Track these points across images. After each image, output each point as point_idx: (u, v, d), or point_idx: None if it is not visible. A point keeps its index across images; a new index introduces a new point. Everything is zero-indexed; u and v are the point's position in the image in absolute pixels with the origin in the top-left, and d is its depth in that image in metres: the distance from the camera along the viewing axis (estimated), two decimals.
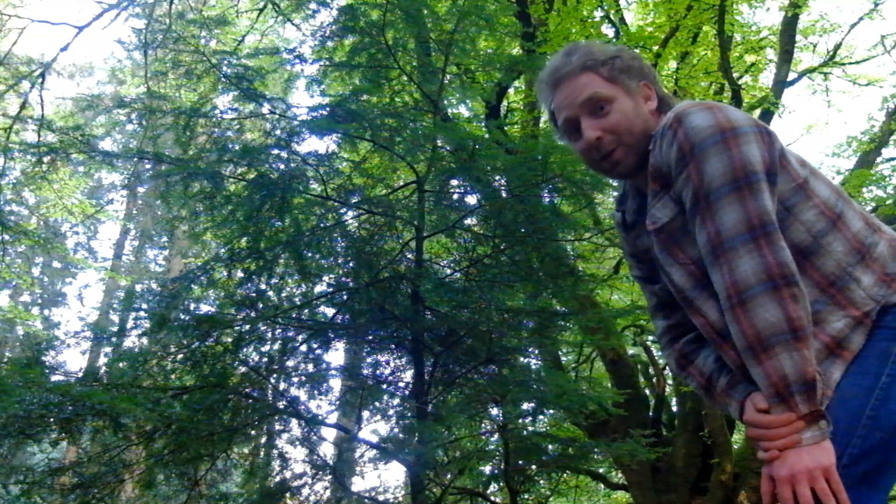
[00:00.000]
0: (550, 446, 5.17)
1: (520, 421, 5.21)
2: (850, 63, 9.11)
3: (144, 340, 4.85)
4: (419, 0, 4.44)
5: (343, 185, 4.86)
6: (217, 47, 7.20)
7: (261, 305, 4.73)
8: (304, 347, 4.96)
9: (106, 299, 17.85)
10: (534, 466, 5.30)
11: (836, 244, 1.25)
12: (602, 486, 9.30)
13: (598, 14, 7.78)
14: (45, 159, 5.98)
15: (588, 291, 6.25)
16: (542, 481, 6.65)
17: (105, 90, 18.59)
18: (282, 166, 4.53)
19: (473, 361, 4.66)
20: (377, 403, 5.22)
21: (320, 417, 5.03)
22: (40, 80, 7.63)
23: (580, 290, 5.25)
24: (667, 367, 7.81)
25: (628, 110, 1.37)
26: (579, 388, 4.81)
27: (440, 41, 4.67)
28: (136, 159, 5.75)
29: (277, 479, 5.02)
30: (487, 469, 5.99)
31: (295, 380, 4.97)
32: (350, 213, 4.99)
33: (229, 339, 4.62)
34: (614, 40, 7.28)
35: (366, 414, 5.35)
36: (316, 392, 4.98)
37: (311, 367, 4.95)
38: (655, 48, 6.80)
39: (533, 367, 5.51)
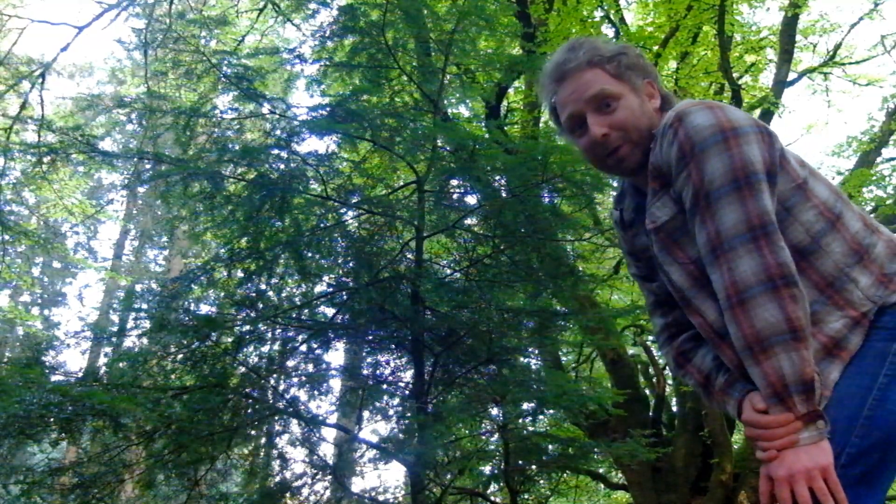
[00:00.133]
0: (550, 446, 5.17)
1: (520, 421, 5.21)
2: (850, 63, 9.11)
3: (144, 340, 4.85)
4: (419, 0, 4.44)
5: (343, 185, 4.86)
6: (217, 47, 7.20)
7: (261, 305, 4.73)
8: (304, 347, 4.96)
9: (106, 299, 17.85)
10: (534, 466, 5.30)
11: (834, 245, 1.25)
12: (602, 486, 9.31)
13: (598, 14, 7.79)
14: (45, 159, 5.99)
15: (588, 291, 6.26)
16: (542, 481, 6.65)
17: (105, 90, 18.59)
18: (282, 166, 4.53)
19: (473, 361, 4.66)
20: (377, 403, 5.22)
21: (320, 417, 5.03)
22: (40, 80, 7.63)
23: (580, 290, 5.26)
24: (667, 367, 7.81)
25: (635, 108, 1.36)
26: (579, 388, 4.81)
27: (440, 41, 4.67)
28: (136, 159, 5.75)
29: (277, 479, 5.02)
30: (487, 469, 5.99)
31: (295, 380, 4.97)
32: (350, 213, 5.00)
33: (229, 340, 4.62)
34: (614, 40, 7.28)
35: (366, 414, 5.35)
36: (316, 392, 4.98)
37: (311, 368, 4.95)
38: (655, 48, 6.80)
39: (533, 367, 5.51)
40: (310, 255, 4.73)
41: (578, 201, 4.76)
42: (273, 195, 4.28)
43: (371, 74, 4.87)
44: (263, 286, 4.89)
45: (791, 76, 8.17)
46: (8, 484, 4.14)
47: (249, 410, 4.71)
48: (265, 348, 5.04)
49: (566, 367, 8.33)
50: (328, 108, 4.46)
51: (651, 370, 8.36)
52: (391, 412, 5.19)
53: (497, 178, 4.69)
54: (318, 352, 4.97)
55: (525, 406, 5.15)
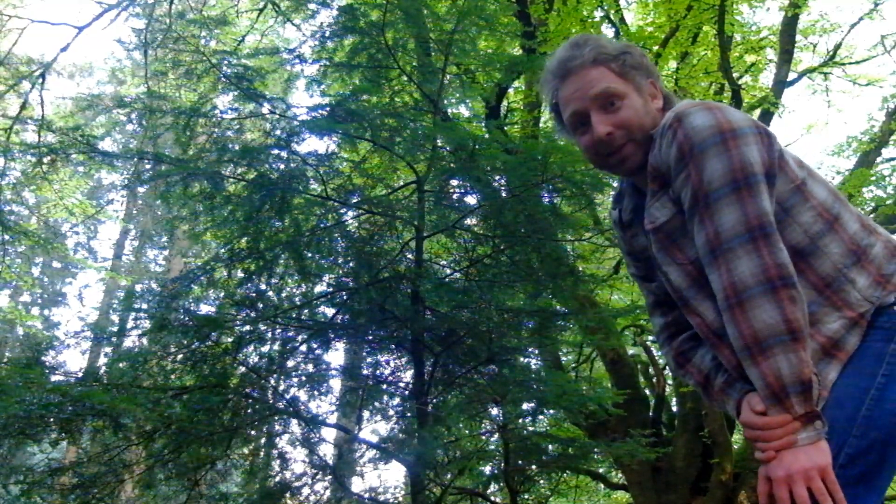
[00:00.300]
0: (550, 446, 5.17)
1: (520, 421, 5.21)
2: (850, 63, 9.11)
3: (144, 340, 4.85)
4: (419, 0, 4.44)
5: (343, 185, 4.86)
6: (217, 47, 7.20)
7: (261, 305, 4.73)
8: (304, 347, 4.96)
9: (106, 299, 17.85)
10: (534, 466, 5.31)
11: (832, 246, 1.26)
12: (602, 486, 9.31)
13: (598, 14, 7.79)
14: (45, 159, 5.99)
15: (588, 291, 6.26)
16: (542, 481, 6.66)
17: (105, 90, 18.60)
18: (282, 166, 4.53)
19: (473, 361, 4.66)
20: (377, 403, 5.22)
21: (320, 418, 5.04)
22: (40, 81, 7.63)
23: (580, 290, 5.26)
24: (667, 367, 7.81)
25: (639, 107, 1.35)
26: (579, 388, 4.81)
27: (440, 41, 4.67)
28: (136, 159, 5.75)
29: (277, 479, 5.02)
30: (487, 469, 6.00)
31: (295, 380, 4.97)
32: (350, 213, 4.99)
33: (229, 340, 4.62)
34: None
35: (366, 414, 5.35)
36: (316, 392, 4.98)
37: (311, 368, 4.95)
38: (655, 48, 6.80)
39: (533, 367, 5.51)
40: (310, 255, 4.73)
41: (578, 201, 4.75)
42: (273, 195, 4.28)
43: (371, 74, 4.87)
44: (263, 286, 4.89)
45: (791, 76, 8.17)
46: (8, 484, 4.15)
47: (249, 410, 4.71)
48: (265, 348, 5.04)
49: (566, 367, 8.33)
50: (328, 108, 4.45)
51: (651, 370, 8.36)
52: (391, 412, 5.20)
53: (497, 178, 4.69)
54: (318, 352, 4.97)
55: (525, 406, 5.16)
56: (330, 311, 5.00)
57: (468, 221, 4.93)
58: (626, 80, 1.36)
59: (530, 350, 5.35)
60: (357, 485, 6.47)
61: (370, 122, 4.41)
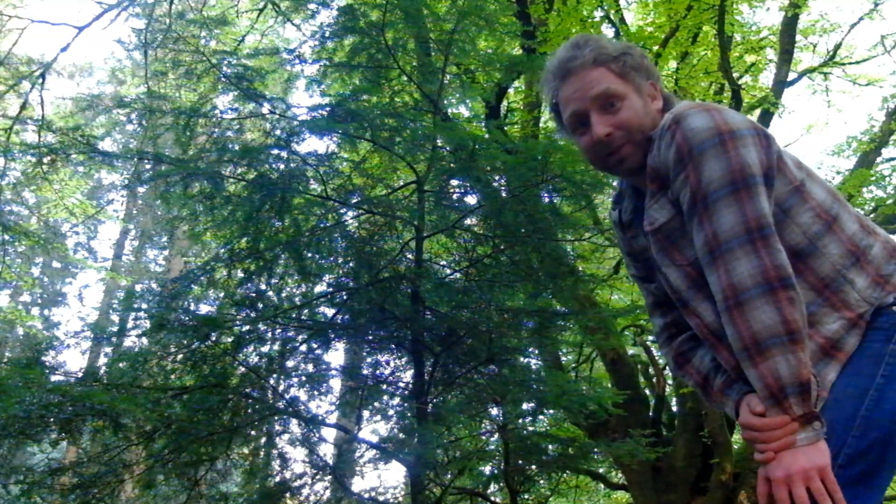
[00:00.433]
0: (550, 446, 5.17)
1: (520, 421, 5.21)
2: (850, 63, 9.11)
3: (144, 340, 4.85)
4: (419, 0, 4.44)
5: (343, 185, 4.86)
6: (217, 47, 7.21)
7: (261, 305, 4.73)
8: (304, 347, 4.96)
9: (106, 299, 17.86)
10: (534, 466, 5.31)
11: (831, 246, 1.26)
12: (602, 486, 9.31)
13: (598, 14, 7.79)
14: (45, 159, 5.99)
15: (588, 291, 6.26)
16: (542, 481, 6.65)
17: (105, 90, 18.60)
18: (282, 166, 4.53)
19: (473, 361, 4.66)
20: (377, 403, 5.22)
21: (320, 417, 5.03)
22: (40, 81, 7.63)
23: (580, 290, 5.26)
24: (667, 367, 7.81)
25: (638, 108, 1.35)
26: (579, 388, 4.81)
27: (440, 41, 4.67)
28: (136, 159, 5.75)
29: (277, 479, 5.02)
30: (487, 469, 6.00)
31: (295, 380, 4.97)
32: (350, 213, 4.99)
33: (229, 340, 4.62)
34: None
35: (366, 414, 5.35)
36: (316, 392, 4.98)
37: (311, 368, 4.95)
38: (655, 48, 6.79)
39: (533, 367, 5.51)
40: (310, 255, 4.73)
41: (578, 201, 4.75)
42: (273, 195, 4.29)
43: (371, 74, 4.88)
44: (263, 286, 4.90)
45: (791, 76, 8.17)
46: (8, 484, 4.15)
47: (249, 410, 4.71)
48: (265, 348, 5.04)
49: (566, 367, 8.33)
50: (328, 108, 4.46)
51: (651, 370, 8.36)
52: (391, 412, 5.20)
53: (497, 178, 4.68)
54: (318, 352, 4.97)
55: (525, 406, 5.16)
56: (330, 311, 5.00)
57: (468, 221, 4.93)
58: (626, 81, 1.36)
59: (530, 350, 5.35)
60: (357, 485, 6.47)
61: (370, 122, 4.41)
